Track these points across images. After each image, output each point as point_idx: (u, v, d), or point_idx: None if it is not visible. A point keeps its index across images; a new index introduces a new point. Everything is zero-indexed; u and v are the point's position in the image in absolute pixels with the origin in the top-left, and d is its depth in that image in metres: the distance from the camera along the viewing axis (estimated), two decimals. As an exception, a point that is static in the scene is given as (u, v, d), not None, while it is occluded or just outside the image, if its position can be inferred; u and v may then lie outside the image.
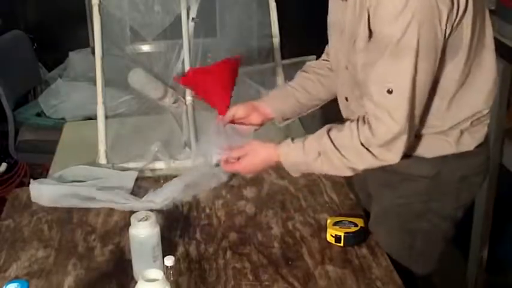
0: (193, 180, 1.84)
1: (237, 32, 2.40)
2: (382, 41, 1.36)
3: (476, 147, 1.54)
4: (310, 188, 1.90)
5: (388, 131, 1.40)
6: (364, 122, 1.45)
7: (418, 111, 1.41)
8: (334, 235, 1.61)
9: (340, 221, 1.64)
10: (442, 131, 1.50)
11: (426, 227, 1.59)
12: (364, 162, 1.46)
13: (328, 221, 1.66)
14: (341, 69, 1.60)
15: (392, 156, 1.43)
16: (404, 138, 1.41)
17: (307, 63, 1.83)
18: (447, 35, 1.36)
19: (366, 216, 1.73)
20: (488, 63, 1.49)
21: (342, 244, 1.60)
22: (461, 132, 1.50)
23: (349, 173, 1.50)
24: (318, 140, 1.50)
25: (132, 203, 1.80)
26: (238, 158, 1.63)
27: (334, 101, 1.78)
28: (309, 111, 1.80)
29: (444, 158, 1.51)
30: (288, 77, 2.20)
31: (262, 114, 1.75)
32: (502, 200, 2.56)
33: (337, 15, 1.57)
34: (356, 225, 1.62)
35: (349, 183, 1.92)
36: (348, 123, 1.49)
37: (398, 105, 1.38)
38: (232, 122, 1.76)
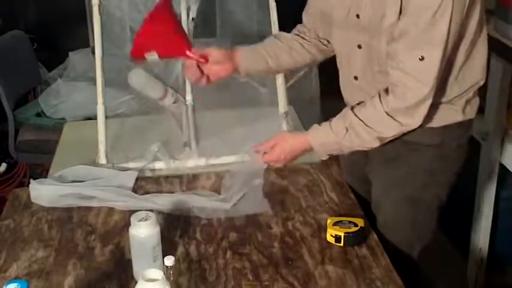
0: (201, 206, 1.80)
1: (237, 32, 2.41)
2: (418, 11, 1.43)
3: (472, 118, 1.68)
4: (310, 188, 1.90)
5: (416, 95, 1.49)
6: (386, 93, 1.53)
7: (439, 76, 1.51)
8: (334, 235, 1.61)
9: (340, 221, 1.64)
10: (450, 100, 1.60)
11: (428, 197, 1.70)
12: (390, 130, 1.55)
13: (328, 221, 1.66)
14: (349, 50, 1.66)
15: (416, 121, 1.53)
16: (428, 103, 1.51)
17: (280, 32, 1.91)
18: (471, 1, 1.46)
19: (364, 212, 1.75)
20: (485, 37, 1.60)
21: (342, 244, 1.60)
22: (466, 102, 1.63)
23: (377, 144, 1.57)
24: (344, 117, 1.59)
25: (133, 200, 1.80)
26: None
27: (332, 98, 1.82)
28: (267, 75, 1.91)
29: (448, 127, 1.63)
30: (288, 77, 2.21)
31: (234, 65, 1.78)
32: (501, 200, 2.56)
33: None
34: (356, 225, 1.62)
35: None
36: (368, 99, 1.57)
37: (428, 71, 1.47)
38: (204, 57, 1.74)
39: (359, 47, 1.63)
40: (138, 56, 1.77)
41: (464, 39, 1.52)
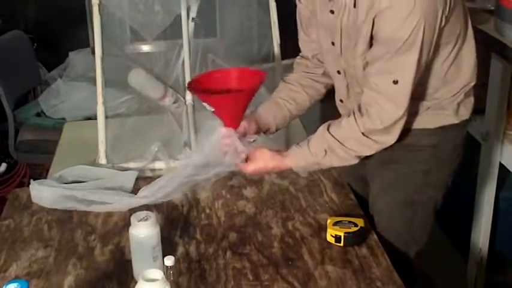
0: (188, 176, 1.78)
1: (237, 32, 2.40)
2: (389, 41, 1.45)
3: (468, 119, 1.70)
4: (310, 188, 1.90)
5: (391, 116, 1.51)
6: (361, 113, 1.54)
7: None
8: (334, 235, 1.61)
9: (340, 221, 1.64)
10: (440, 104, 1.63)
11: (424, 198, 1.71)
12: (367, 149, 1.57)
13: (328, 221, 1.66)
14: (334, 75, 1.70)
15: (392, 138, 1.55)
16: (403, 121, 1.53)
17: (287, 75, 1.87)
18: (442, 25, 1.47)
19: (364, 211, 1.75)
20: (471, 41, 1.61)
21: (342, 244, 1.60)
22: (458, 105, 1.65)
23: (356, 161, 1.60)
24: (321, 139, 1.59)
25: (127, 199, 1.80)
26: (246, 159, 1.65)
27: (332, 99, 1.81)
28: (294, 119, 1.88)
29: (443, 128, 1.65)
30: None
31: (261, 127, 1.76)
32: (501, 200, 2.56)
33: (326, 16, 1.60)
34: (356, 225, 1.62)
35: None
36: (344, 118, 1.58)
37: (402, 93, 1.49)
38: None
39: (338, 72, 1.66)
40: (198, 93, 1.72)
41: (446, 47, 1.53)
